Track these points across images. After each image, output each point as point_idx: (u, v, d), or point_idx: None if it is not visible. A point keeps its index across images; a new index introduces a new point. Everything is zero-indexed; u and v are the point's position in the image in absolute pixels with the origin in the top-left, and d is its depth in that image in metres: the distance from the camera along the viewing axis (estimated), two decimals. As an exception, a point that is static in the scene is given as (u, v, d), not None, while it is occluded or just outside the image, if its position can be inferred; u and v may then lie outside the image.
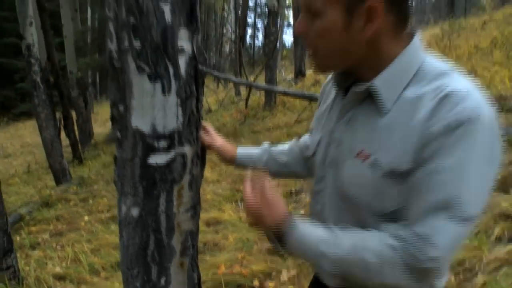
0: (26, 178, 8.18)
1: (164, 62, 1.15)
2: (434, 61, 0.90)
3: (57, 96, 7.75)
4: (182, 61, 1.19)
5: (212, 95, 12.82)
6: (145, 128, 1.16)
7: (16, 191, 6.88)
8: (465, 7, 19.23)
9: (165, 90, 1.16)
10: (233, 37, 22.35)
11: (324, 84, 1.22)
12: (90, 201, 5.03)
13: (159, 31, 1.13)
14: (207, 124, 1.39)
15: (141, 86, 1.15)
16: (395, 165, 0.85)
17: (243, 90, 16.43)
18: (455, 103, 0.79)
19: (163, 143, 1.18)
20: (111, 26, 1.20)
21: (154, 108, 1.16)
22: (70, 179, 6.61)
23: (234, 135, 7.33)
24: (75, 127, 8.36)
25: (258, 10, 37.10)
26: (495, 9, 13.12)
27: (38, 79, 6.35)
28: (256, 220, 1.00)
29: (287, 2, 22.74)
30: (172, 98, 1.17)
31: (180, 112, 1.20)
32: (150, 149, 1.17)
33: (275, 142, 2.06)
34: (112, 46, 1.20)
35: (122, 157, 1.24)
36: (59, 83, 7.34)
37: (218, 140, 1.38)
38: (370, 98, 0.93)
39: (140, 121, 1.16)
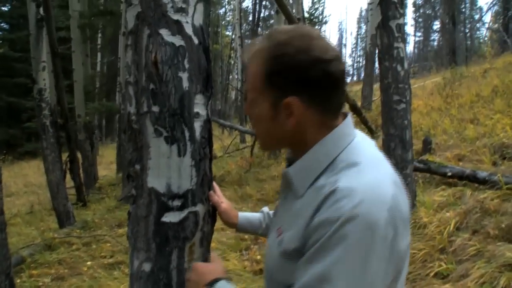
0: (28, 218, 8.16)
1: (180, 127, 1.22)
2: (353, 150, 0.93)
3: (63, 137, 7.88)
4: (197, 125, 1.26)
5: (217, 142, 12.95)
6: (161, 187, 1.22)
7: (18, 232, 6.85)
8: (466, 55, 19.71)
9: (180, 153, 1.22)
10: (239, 85, 22.94)
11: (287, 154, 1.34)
12: (94, 245, 5.01)
13: (177, 98, 1.21)
14: (215, 184, 1.44)
15: (158, 148, 1.22)
16: (289, 246, 0.91)
17: (248, 137, 16.68)
18: (337, 199, 0.81)
19: (177, 203, 1.24)
20: (130, 90, 1.28)
21: (169, 169, 1.22)
22: (74, 222, 6.60)
23: (239, 183, 7.37)
24: (80, 170, 8.44)
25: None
26: (496, 56, 13.44)
27: (48, 123, 6.49)
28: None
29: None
30: (187, 160, 1.24)
31: (194, 173, 1.26)
32: (165, 208, 1.22)
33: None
34: (131, 109, 1.28)
35: (136, 213, 1.29)
36: (67, 127, 7.48)
37: (223, 202, 1.42)
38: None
39: (155, 181, 1.22)
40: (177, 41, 1.21)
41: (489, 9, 24.73)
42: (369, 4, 11.63)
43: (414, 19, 46.91)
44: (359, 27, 64.86)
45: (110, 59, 17.20)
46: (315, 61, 0.90)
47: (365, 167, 0.87)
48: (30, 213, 8.81)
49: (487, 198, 4.07)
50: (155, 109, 1.21)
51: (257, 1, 30.88)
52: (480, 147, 5.69)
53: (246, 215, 1.47)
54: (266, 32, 1.02)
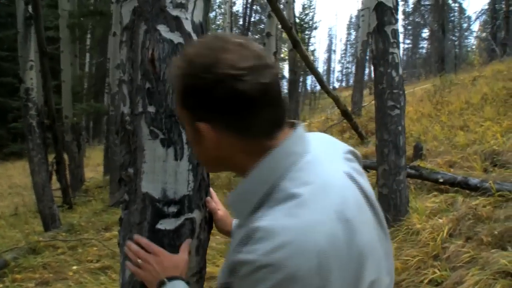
0: (12, 221, 7.98)
1: (178, 129, 1.15)
2: (298, 176, 0.79)
3: (49, 138, 7.73)
4: (195, 127, 1.20)
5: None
6: (156, 193, 1.15)
7: (2, 235, 6.69)
8: (455, 63, 19.94)
9: (177, 156, 1.16)
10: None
11: None
12: (80, 249, 4.89)
13: (174, 98, 1.15)
14: (211, 190, 1.37)
15: (154, 151, 1.15)
16: (219, 280, 0.84)
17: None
18: (255, 240, 0.71)
19: (173, 209, 1.17)
20: (124, 89, 1.21)
21: (165, 173, 1.15)
22: (60, 225, 6.46)
23: (228, 187, 7.30)
24: (67, 172, 8.28)
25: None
26: (484, 65, 13.59)
27: (34, 123, 6.35)
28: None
29: (282, 55, 23.41)
30: (184, 164, 1.17)
31: (191, 177, 1.19)
32: (160, 215, 1.15)
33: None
34: (125, 109, 1.21)
35: (129, 220, 1.21)
36: (54, 128, 7.34)
37: (220, 210, 1.34)
38: None
39: (150, 186, 1.15)
40: (176, 38, 1.14)
41: (477, 18, 25.11)
42: (360, 10, 11.67)
43: (404, 26, 47.33)
44: (349, 33, 65.34)
45: (99, 60, 17.02)
46: (219, 79, 0.75)
47: (303, 202, 0.74)
48: (14, 215, 8.62)
49: (479, 204, 4.06)
50: (151, 109, 1.14)
51: (248, 5, 30.97)
52: (471, 154, 5.70)
53: None
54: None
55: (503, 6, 19.05)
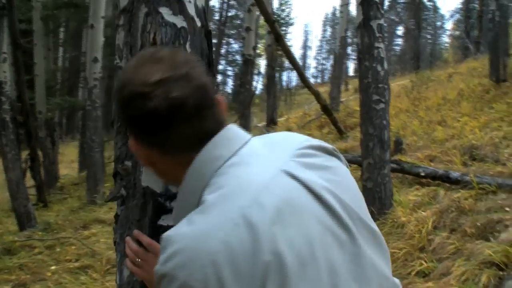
0: (-16, 221, 7.70)
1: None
2: (214, 182, 0.74)
3: (22, 134, 7.47)
4: (199, 117, 1.14)
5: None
6: (157, 187, 1.08)
7: (-27, 236, 6.43)
8: (431, 60, 20.32)
9: (180, 147, 1.09)
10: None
11: None
12: (58, 249, 4.73)
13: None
14: None
15: (155, 142, 1.08)
16: None
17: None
18: (161, 249, 0.69)
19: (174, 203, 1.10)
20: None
21: (168, 165, 1.09)
22: (35, 224, 6.24)
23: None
24: (41, 169, 8.03)
25: (230, 57, 37.76)
26: (458, 62, 13.90)
27: (8, 118, 6.11)
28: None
29: (258, 51, 23.32)
30: (187, 155, 1.10)
31: (194, 170, 1.13)
32: (162, 210, 1.09)
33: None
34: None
35: (127, 216, 1.14)
36: (28, 123, 7.09)
37: None
38: None
39: (151, 179, 1.08)
40: (179, 21, 1.08)
41: (451, 17, 25.61)
42: (340, 6, 11.71)
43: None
44: (324, 30, 65.68)
45: (72, 54, 16.58)
46: (131, 97, 0.73)
47: (205, 208, 0.69)
48: (-14, 214, 8.31)
49: (461, 197, 4.14)
50: (153, 97, 1.07)
51: (225, 0, 30.75)
52: (450, 148, 5.80)
53: None
54: None
55: (477, 5, 19.50)
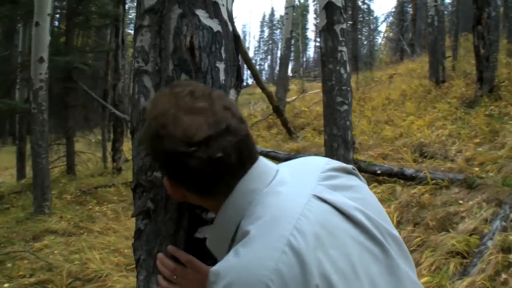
0: None
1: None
2: (252, 212, 0.77)
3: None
4: (231, 124, 1.10)
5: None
6: (193, 198, 1.03)
7: None
8: (370, 61, 21.20)
9: (216, 156, 1.04)
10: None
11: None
12: (8, 264, 4.33)
13: (215, 92, 1.03)
14: None
15: (191, 152, 1.02)
16: None
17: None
18: (208, 284, 0.72)
19: (211, 214, 1.05)
20: (147, 81, 1.07)
21: (204, 175, 1.04)
22: (-25, 237, 5.76)
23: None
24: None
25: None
26: (396, 63, 14.63)
27: None
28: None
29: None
30: (222, 164, 1.06)
31: (228, 179, 1.08)
32: (198, 222, 1.03)
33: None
34: (148, 104, 1.06)
35: (155, 231, 1.07)
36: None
37: None
38: None
39: (187, 191, 1.03)
40: (215, 25, 1.03)
41: (385, 19, 26.88)
42: (286, 8, 11.88)
43: (315, 25, 49.38)
44: (262, 31, 66.46)
45: (5, 53, 15.42)
46: (170, 153, 0.75)
47: (249, 240, 0.71)
48: None
49: (418, 193, 4.35)
50: (187, 104, 1.01)
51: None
52: (400, 146, 6.07)
53: None
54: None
55: (410, 9, 20.61)
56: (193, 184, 0.79)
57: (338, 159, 4.08)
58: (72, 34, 10.40)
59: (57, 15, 12.59)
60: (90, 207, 6.55)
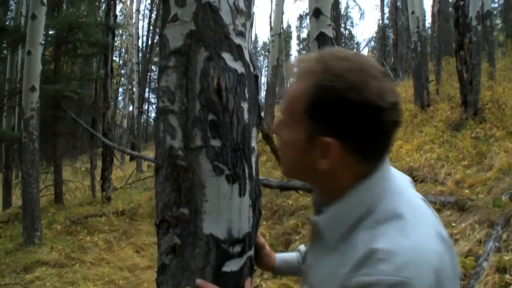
0: None
1: (242, 163, 1.09)
2: (394, 198, 0.82)
3: None
4: (253, 161, 1.14)
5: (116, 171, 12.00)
6: (221, 233, 1.06)
7: None
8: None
9: (241, 192, 1.09)
10: (134, 112, 22.02)
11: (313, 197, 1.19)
12: (1, 295, 4.28)
13: (240, 131, 1.08)
14: None
15: (217, 188, 1.06)
16: None
17: (144, 166, 16.19)
18: (377, 262, 0.72)
19: (237, 248, 1.09)
20: (173, 121, 1.11)
21: (231, 211, 1.07)
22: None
23: (151, 216, 6.99)
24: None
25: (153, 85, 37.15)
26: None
27: None
28: None
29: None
30: (246, 200, 1.11)
31: (251, 213, 1.13)
32: (226, 256, 1.07)
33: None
34: (175, 142, 1.10)
35: (182, 266, 1.09)
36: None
37: (266, 244, 1.28)
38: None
39: (215, 226, 1.06)
40: (239, 67, 1.09)
41: (366, 45, 27.54)
42: (271, 36, 12.14)
43: (298, 51, 50.21)
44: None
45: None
46: (368, 105, 0.76)
47: (408, 222, 0.76)
48: None
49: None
50: (216, 143, 1.06)
51: (151, 26, 30.40)
52: (390, 170, 6.14)
53: (283, 256, 1.33)
54: (320, 51, 0.87)
55: (392, 34, 21.17)
56: (368, 144, 0.80)
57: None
58: (60, 62, 10.40)
59: (44, 43, 12.61)
60: (81, 237, 6.44)
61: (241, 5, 1.11)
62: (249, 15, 1.16)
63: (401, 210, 0.78)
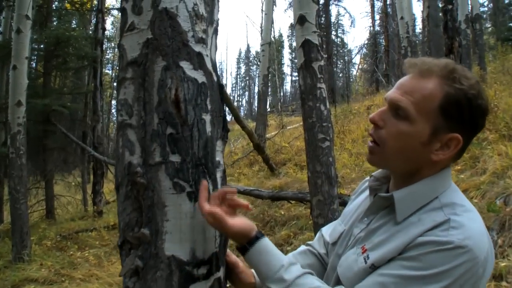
0: None
1: (205, 179, 1.01)
2: (455, 193, 0.99)
3: None
4: (219, 176, 1.07)
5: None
6: (183, 254, 0.99)
7: None
8: (347, 93, 21.64)
9: (206, 210, 1.01)
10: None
11: (360, 183, 1.29)
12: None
13: (201, 145, 1.01)
14: None
15: (179, 207, 0.99)
16: (381, 262, 0.94)
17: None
18: (448, 228, 0.89)
19: (202, 270, 1.02)
20: (131, 135, 1.04)
21: (193, 230, 1.00)
22: None
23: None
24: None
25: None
26: (372, 94, 14.91)
27: None
28: (217, 225, 0.99)
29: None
30: (212, 218, 1.03)
31: (217, 232, 1.05)
32: (190, 279, 1.00)
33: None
34: (133, 159, 1.04)
35: (143, 290, 1.02)
36: None
37: (239, 261, 1.21)
38: (390, 207, 1.02)
39: (177, 247, 0.99)
40: (200, 76, 1.02)
41: (358, 52, 27.64)
42: (261, 45, 12.12)
43: (291, 60, 50.26)
44: (239, 67, 67.32)
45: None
46: (486, 110, 0.95)
47: (471, 210, 0.95)
48: None
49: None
50: (175, 158, 0.99)
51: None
52: (383, 177, 6.08)
53: None
54: (438, 60, 0.99)
55: (383, 40, 21.27)
56: (470, 141, 0.98)
57: (322, 195, 4.06)
58: (50, 76, 10.32)
59: (35, 57, 12.55)
60: (71, 253, 6.33)
61: (202, 10, 1.05)
62: (211, 21, 1.09)
63: (463, 202, 0.96)
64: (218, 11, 1.15)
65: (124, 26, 1.05)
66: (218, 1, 1.13)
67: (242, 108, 61.12)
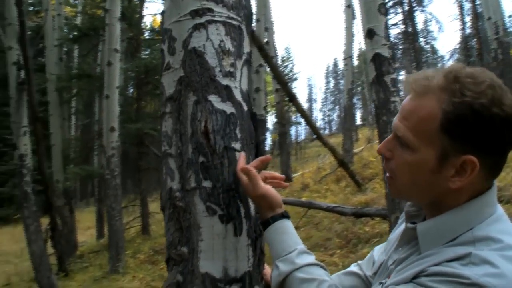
0: (6, 293, 7.55)
1: (236, 204, 1.10)
2: (495, 225, 0.82)
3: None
4: (250, 199, 1.14)
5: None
6: (216, 272, 1.07)
7: (-4, 308, 6.29)
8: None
9: (237, 232, 1.09)
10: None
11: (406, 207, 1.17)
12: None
13: (231, 171, 1.09)
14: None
15: (211, 228, 1.08)
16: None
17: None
18: (471, 263, 0.74)
19: (235, 287, 1.08)
20: (171, 163, 1.15)
21: (225, 250, 1.08)
22: (58, 296, 6.15)
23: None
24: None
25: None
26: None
27: (30, 190, 6.16)
28: (249, 185, 1.04)
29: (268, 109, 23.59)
30: (244, 239, 1.10)
31: (250, 252, 1.12)
32: (224, 296, 1.07)
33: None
34: (174, 184, 1.14)
35: (185, 303, 1.12)
36: (48, 194, 7.15)
37: None
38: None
39: (210, 265, 1.07)
40: (228, 108, 1.11)
41: (451, 56, 26.10)
42: (344, 59, 12.03)
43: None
44: (328, 82, 66.64)
45: (84, 122, 16.91)
46: (506, 119, 0.76)
47: (506, 248, 0.76)
48: (7, 285, 8.16)
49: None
50: (207, 184, 1.08)
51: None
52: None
53: None
54: (442, 68, 0.85)
55: (475, 43, 19.88)
56: (498, 159, 0.81)
57: (401, 212, 3.92)
58: (142, 102, 11.15)
59: (131, 85, 13.66)
60: (162, 266, 6.74)
61: (228, 45, 1.14)
62: (239, 54, 1.18)
63: (501, 237, 0.78)
64: (248, 44, 1.23)
65: (162, 65, 1.18)
66: (247, 34, 1.21)
67: (333, 122, 60.34)
